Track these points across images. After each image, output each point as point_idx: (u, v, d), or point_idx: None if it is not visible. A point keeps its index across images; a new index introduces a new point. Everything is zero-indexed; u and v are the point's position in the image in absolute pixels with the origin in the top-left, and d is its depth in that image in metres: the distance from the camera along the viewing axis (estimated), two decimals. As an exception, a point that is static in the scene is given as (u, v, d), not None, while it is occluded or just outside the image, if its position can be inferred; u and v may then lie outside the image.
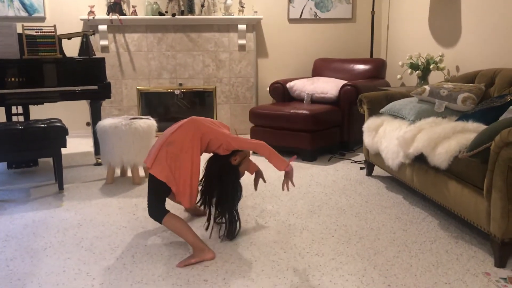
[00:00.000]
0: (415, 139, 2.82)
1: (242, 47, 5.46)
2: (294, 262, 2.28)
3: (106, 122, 3.56)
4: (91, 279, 2.14)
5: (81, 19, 5.20)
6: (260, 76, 5.72)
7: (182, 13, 5.25)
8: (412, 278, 2.10)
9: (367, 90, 4.35)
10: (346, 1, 5.63)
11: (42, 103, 4.01)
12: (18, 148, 3.25)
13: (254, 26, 5.47)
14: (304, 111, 4.22)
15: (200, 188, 2.50)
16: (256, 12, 5.45)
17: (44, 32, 3.94)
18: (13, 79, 3.77)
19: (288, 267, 2.22)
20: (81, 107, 5.41)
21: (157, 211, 2.36)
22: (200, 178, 2.46)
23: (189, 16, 5.25)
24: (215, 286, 2.06)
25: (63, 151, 3.47)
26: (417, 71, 4.22)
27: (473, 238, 2.52)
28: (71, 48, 4.85)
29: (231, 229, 2.51)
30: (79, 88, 3.97)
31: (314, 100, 4.72)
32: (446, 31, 4.33)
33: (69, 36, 4.17)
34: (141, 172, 3.82)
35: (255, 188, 2.74)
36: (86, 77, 4.01)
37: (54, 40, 3.94)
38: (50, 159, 4.35)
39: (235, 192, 2.50)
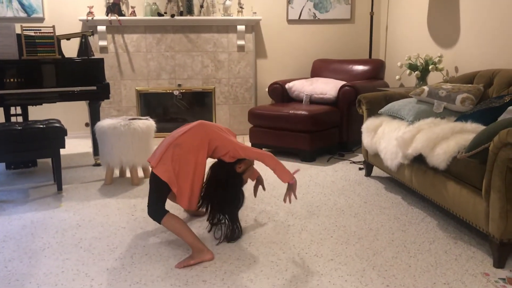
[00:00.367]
0: (414, 139, 2.82)
1: (241, 48, 5.46)
2: (293, 262, 2.28)
3: (105, 122, 3.55)
4: (89, 279, 2.13)
5: (80, 20, 5.20)
6: (259, 76, 5.72)
7: (181, 13, 5.25)
8: (411, 279, 2.10)
9: (366, 90, 4.35)
10: (345, 2, 5.64)
11: (41, 104, 4.01)
12: (17, 148, 3.25)
13: (253, 27, 5.48)
14: (303, 112, 4.22)
15: (201, 193, 2.51)
16: (255, 13, 5.45)
17: (43, 32, 3.93)
18: (11, 80, 3.77)
19: (287, 268, 2.22)
20: (80, 108, 5.41)
21: (156, 210, 2.36)
22: (203, 183, 2.48)
23: (188, 17, 5.25)
24: (214, 286, 2.06)
25: (62, 151, 3.48)
26: (416, 72, 4.22)
27: (472, 239, 2.52)
28: (70, 49, 4.85)
29: (232, 235, 2.52)
30: (78, 88, 3.97)
31: (313, 101, 4.72)
32: (444, 31, 4.33)
33: (68, 37, 4.17)
34: (140, 173, 3.82)
35: (255, 195, 2.78)
36: (85, 77, 4.01)
37: (53, 41, 3.94)
38: (49, 160, 4.35)
39: (238, 199, 2.52)
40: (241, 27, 5.37)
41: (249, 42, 5.46)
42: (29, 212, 3.03)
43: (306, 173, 3.88)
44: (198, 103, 5.61)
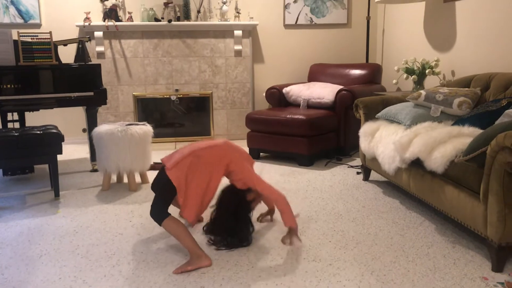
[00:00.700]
0: (411, 143, 2.82)
1: (238, 53, 5.47)
2: (291, 268, 2.27)
3: (102, 128, 3.55)
4: (87, 286, 2.12)
5: (77, 26, 5.20)
6: (256, 81, 5.72)
7: (178, 19, 5.26)
8: (410, 283, 2.10)
9: (363, 95, 4.36)
10: (342, 7, 5.66)
11: (38, 110, 4.01)
12: (14, 155, 3.23)
13: (250, 31, 5.49)
14: (301, 116, 4.22)
15: (212, 216, 2.57)
16: (252, 18, 5.46)
17: (40, 38, 3.93)
18: (8, 86, 3.76)
19: (285, 273, 2.21)
20: (77, 114, 5.40)
21: (159, 212, 2.36)
22: (212, 204, 2.52)
23: (185, 22, 5.26)
24: (212, 292, 2.05)
25: (59, 157, 3.47)
26: (412, 76, 4.23)
27: (470, 243, 2.52)
28: (67, 55, 4.86)
29: (230, 245, 2.52)
30: (75, 94, 3.97)
31: (310, 105, 4.73)
32: (441, 36, 4.34)
33: (65, 43, 4.17)
34: (138, 179, 3.80)
35: (259, 220, 2.87)
36: (82, 83, 4.00)
37: (50, 47, 3.94)
38: (46, 166, 4.33)
39: (245, 228, 2.55)
40: (238, 32, 5.38)
41: (246, 47, 5.47)
42: (26, 218, 3.01)
43: (304, 178, 3.88)
44: (196, 108, 5.61)
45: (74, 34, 5.27)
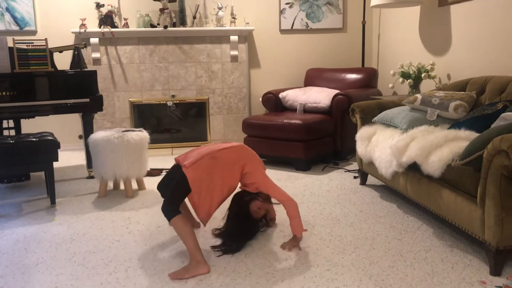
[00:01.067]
0: (408, 147, 2.83)
1: (234, 58, 5.47)
2: (289, 273, 2.26)
3: (98, 135, 3.53)
4: (83, 294, 2.11)
5: (72, 32, 5.19)
6: (252, 86, 5.73)
7: (174, 25, 5.26)
8: (408, 288, 2.09)
9: (359, 99, 4.37)
10: (337, 11, 5.67)
11: (34, 117, 3.99)
12: (9, 162, 3.22)
13: (246, 37, 5.49)
14: (297, 121, 4.22)
15: (224, 227, 2.66)
16: (248, 23, 5.47)
17: (35, 45, 3.92)
18: (4, 93, 3.75)
19: (283, 279, 2.20)
20: (73, 120, 5.39)
21: (172, 208, 2.36)
22: (221, 202, 2.55)
23: (181, 28, 5.26)
24: (210, 299, 2.04)
25: (55, 164, 3.45)
26: (408, 80, 4.24)
27: (468, 246, 2.52)
28: (63, 61, 4.85)
29: (228, 250, 2.53)
30: (71, 101, 3.95)
31: (306, 110, 4.73)
32: (436, 39, 4.36)
33: (61, 49, 4.16)
34: (134, 185, 3.79)
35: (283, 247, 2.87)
36: (78, 90, 4.00)
37: (45, 54, 3.93)
38: (42, 173, 4.32)
39: (250, 234, 2.65)
40: (234, 38, 5.38)
41: (242, 52, 5.47)
42: (22, 226, 3.00)
43: (301, 183, 3.88)
44: (192, 114, 5.61)
45: (70, 40, 5.26)
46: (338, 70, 5.26)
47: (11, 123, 4.29)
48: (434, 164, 2.52)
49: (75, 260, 2.47)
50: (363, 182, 3.79)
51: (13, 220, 3.11)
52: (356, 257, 2.43)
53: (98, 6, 5.17)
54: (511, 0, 3.36)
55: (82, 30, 5.07)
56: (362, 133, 3.51)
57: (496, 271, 2.18)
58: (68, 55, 4.60)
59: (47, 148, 3.29)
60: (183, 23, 5.31)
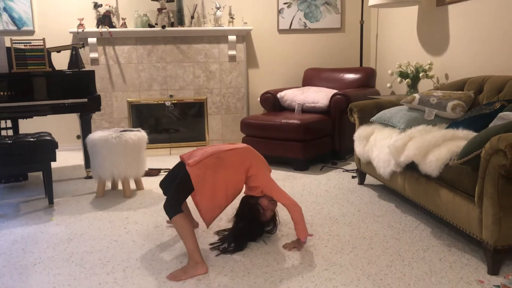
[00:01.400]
0: (405, 147, 2.83)
1: (232, 58, 5.47)
2: (287, 273, 2.26)
3: (96, 135, 3.53)
4: (81, 295, 2.10)
5: (70, 32, 5.19)
6: (250, 86, 5.72)
7: (172, 25, 5.26)
8: (406, 287, 2.09)
9: (357, 99, 4.37)
10: (335, 11, 5.68)
11: (32, 117, 3.98)
12: (7, 162, 3.21)
13: (244, 37, 5.49)
14: (295, 121, 4.22)
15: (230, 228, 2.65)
16: (246, 23, 5.47)
17: (33, 45, 3.92)
18: (1, 93, 3.74)
19: (281, 279, 2.20)
20: (71, 120, 5.38)
21: (174, 206, 2.35)
22: (227, 204, 2.55)
23: (179, 28, 5.25)
24: (208, 299, 2.04)
25: (53, 164, 3.45)
26: (406, 80, 4.24)
27: (466, 246, 2.52)
28: (61, 61, 4.84)
29: (227, 250, 2.53)
30: (69, 101, 3.95)
31: (305, 110, 4.73)
32: (434, 39, 4.36)
33: (58, 49, 4.16)
34: (132, 185, 3.79)
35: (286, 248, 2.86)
36: (76, 90, 3.99)
37: (43, 54, 3.92)
38: (40, 173, 4.31)
39: (254, 234, 2.64)
40: (232, 38, 5.38)
41: (240, 52, 5.47)
42: (19, 226, 2.99)
43: (299, 182, 3.88)
44: (190, 114, 5.60)
45: (68, 40, 5.25)
46: (336, 70, 5.26)
47: (9, 123, 4.28)
48: (432, 164, 2.53)
49: (72, 260, 2.46)
50: (361, 182, 3.79)
51: (11, 220, 3.11)
52: (354, 256, 2.43)
53: (96, 6, 5.17)
54: (509, 0, 3.37)
55: (80, 30, 5.07)
56: (360, 132, 3.51)
57: (494, 270, 2.19)
58: (66, 55, 4.59)
59: (45, 148, 3.29)
60: (181, 23, 5.30)
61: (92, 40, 5.16)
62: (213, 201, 2.44)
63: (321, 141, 4.42)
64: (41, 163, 3.31)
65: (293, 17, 5.62)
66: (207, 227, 2.65)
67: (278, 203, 2.60)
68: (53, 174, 4.24)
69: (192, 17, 5.36)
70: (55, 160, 3.34)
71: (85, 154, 4.09)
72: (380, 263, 2.34)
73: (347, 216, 3.04)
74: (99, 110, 4.11)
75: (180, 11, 5.28)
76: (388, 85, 4.51)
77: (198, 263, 2.27)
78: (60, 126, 5.40)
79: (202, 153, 2.50)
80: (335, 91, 4.66)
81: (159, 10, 5.24)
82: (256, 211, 2.54)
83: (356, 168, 3.82)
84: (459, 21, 3.97)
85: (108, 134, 3.49)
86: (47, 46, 4.09)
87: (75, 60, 4.13)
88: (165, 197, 2.53)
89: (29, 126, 5.20)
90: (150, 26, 5.21)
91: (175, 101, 5.46)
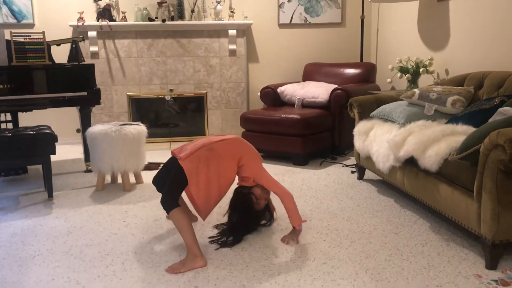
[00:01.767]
0: (405, 142, 2.83)
1: (232, 52, 5.46)
2: (286, 267, 2.27)
3: (96, 128, 3.53)
4: (80, 287, 2.11)
5: (70, 25, 5.18)
6: (251, 81, 5.72)
7: (172, 18, 5.24)
8: (404, 282, 2.10)
9: (358, 94, 4.36)
10: (336, 6, 5.66)
11: (31, 110, 3.98)
12: (7, 155, 3.22)
13: (245, 31, 5.48)
14: (295, 116, 4.22)
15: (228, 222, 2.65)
16: (246, 17, 5.46)
17: (33, 38, 3.91)
18: (1, 86, 3.74)
19: (279, 272, 2.21)
20: (71, 114, 5.38)
21: (170, 201, 2.35)
22: (221, 196, 2.55)
23: (179, 22, 5.24)
24: (206, 292, 2.05)
25: (53, 158, 3.45)
26: (406, 75, 4.24)
27: (464, 240, 2.52)
28: (60, 55, 4.83)
29: (226, 243, 2.54)
30: (69, 94, 3.95)
31: (305, 105, 4.73)
32: (435, 34, 4.35)
33: (58, 43, 4.15)
34: (132, 179, 3.79)
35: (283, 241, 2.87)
36: (75, 83, 3.99)
37: (42, 47, 3.92)
38: (40, 166, 4.31)
39: (250, 225, 2.67)
40: (232, 32, 5.37)
41: (240, 47, 5.46)
42: (19, 219, 3.00)
43: (299, 177, 3.88)
44: (190, 108, 5.60)
45: (68, 34, 5.24)
46: (337, 65, 5.25)
47: (9, 116, 4.28)
48: (431, 159, 2.53)
49: (72, 253, 2.47)
50: (361, 177, 3.80)
51: (10, 213, 3.11)
52: (352, 250, 2.44)
53: (96, -1, 5.16)
54: (510, -5, 3.36)
55: (80, 24, 5.06)
56: (360, 127, 3.51)
57: (491, 265, 2.19)
58: (65, 49, 4.59)
59: (45, 141, 3.29)
60: (181, 16, 5.29)
61: (92, 33, 5.15)
62: (207, 192, 2.44)
63: (320, 136, 4.42)
64: (40, 156, 3.31)
65: (294, 11, 5.61)
66: (203, 220, 2.66)
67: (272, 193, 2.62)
68: (52, 168, 4.24)
69: (193, 11, 5.35)
70: (54, 153, 3.35)
71: (84, 147, 4.09)
72: (379, 257, 2.35)
73: (346, 211, 3.04)
74: (98, 103, 4.10)
75: (180, 4, 5.26)
76: (388, 80, 4.51)
77: (197, 256, 2.28)
78: (59, 119, 5.40)
79: (193, 146, 2.50)
80: (335, 86, 4.65)
81: (159, 4, 5.23)
82: (250, 200, 2.56)
83: (355, 163, 3.82)
84: (459, 17, 3.96)
85: (108, 128, 3.49)
86: (47, 39, 4.09)
87: (75, 53, 4.13)
88: (161, 193, 2.54)
89: (28, 119, 5.20)
90: (150, 20, 5.20)
91: (175, 96, 5.46)
